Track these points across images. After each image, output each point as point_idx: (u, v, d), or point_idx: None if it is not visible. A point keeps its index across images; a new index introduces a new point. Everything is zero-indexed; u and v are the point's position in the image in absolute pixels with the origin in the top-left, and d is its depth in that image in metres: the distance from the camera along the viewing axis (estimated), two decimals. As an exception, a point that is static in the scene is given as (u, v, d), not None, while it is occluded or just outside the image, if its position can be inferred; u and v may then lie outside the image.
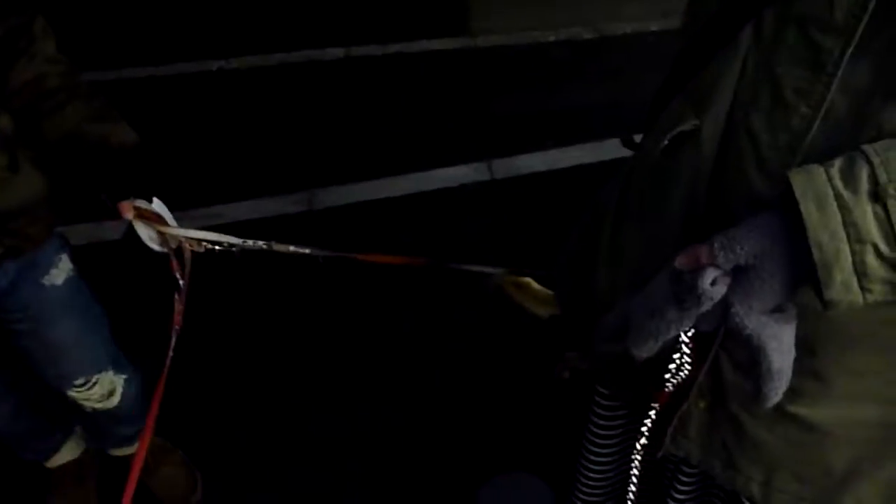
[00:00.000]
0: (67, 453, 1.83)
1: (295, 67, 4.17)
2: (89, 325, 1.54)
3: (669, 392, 0.90)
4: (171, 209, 1.39)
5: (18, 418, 1.66)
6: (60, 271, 1.46)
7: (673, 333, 0.77)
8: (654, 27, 4.62)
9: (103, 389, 1.59)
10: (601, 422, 1.25)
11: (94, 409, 1.60)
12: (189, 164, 3.18)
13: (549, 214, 3.00)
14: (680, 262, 0.74)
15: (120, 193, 1.33)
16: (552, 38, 4.56)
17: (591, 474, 1.32)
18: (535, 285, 1.88)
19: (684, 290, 0.73)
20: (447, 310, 2.50)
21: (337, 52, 4.31)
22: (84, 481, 1.86)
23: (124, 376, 1.63)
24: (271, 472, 2.02)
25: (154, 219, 1.34)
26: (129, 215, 1.32)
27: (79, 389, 1.56)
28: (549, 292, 1.86)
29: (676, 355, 0.83)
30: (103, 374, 1.58)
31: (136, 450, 1.75)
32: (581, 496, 1.36)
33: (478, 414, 2.17)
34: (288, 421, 2.15)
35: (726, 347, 0.87)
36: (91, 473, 1.89)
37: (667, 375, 0.86)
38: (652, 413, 0.95)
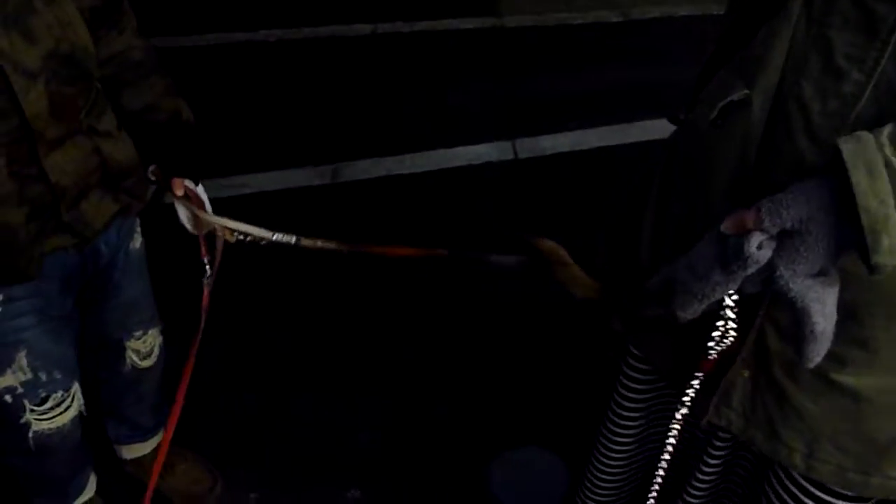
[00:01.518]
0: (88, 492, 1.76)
1: (322, 42, 4.17)
2: (149, 284, 1.62)
3: (713, 360, 0.91)
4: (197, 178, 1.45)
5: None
6: (139, 235, 1.54)
7: (718, 296, 0.78)
8: (682, 12, 4.59)
9: (148, 346, 1.64)
10: (629, 394, 1.25)
11: (135, 367, 1.64)
12: (215, 135, 3.19)
13: (572, 195, 3.01)
14: (726, 226, 0.75)
15: (175, 167, 1.39)
16: (579, 21, 4.54)
17: (614, 446, 1.32)
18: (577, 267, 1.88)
19: (730, 254, 0.74)
20: (462, 287, 2.49)
21: (364, 29, 4.31)
22: None
23: (162, 338, 1.69)
24: (280, 448, 2.01)
25: (196, 202, 1.39)
26: (179, 192, 1.37)
27: (135, 340, 1.62)
28: (590, 281, 1.85)
29: (720, 322, 0.83)
30: (154, 329, 1.65)
31: (148, 450, 1.81)
32: (600, 467, 1.36)
33: (490, 388, 2.18)
34: (300, 396, 2.15)
35: (771, 315, 0.88)
36: None
37: (710, 343, 0.86)
38: (695, 382, 0.95)
